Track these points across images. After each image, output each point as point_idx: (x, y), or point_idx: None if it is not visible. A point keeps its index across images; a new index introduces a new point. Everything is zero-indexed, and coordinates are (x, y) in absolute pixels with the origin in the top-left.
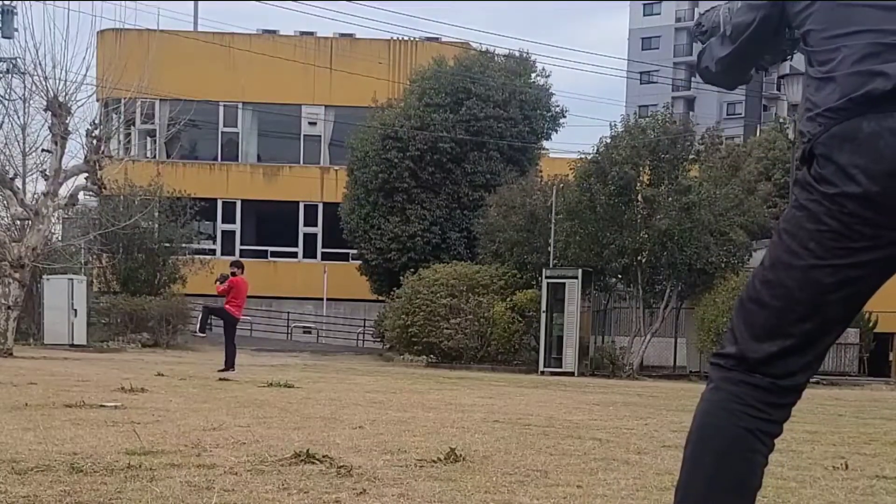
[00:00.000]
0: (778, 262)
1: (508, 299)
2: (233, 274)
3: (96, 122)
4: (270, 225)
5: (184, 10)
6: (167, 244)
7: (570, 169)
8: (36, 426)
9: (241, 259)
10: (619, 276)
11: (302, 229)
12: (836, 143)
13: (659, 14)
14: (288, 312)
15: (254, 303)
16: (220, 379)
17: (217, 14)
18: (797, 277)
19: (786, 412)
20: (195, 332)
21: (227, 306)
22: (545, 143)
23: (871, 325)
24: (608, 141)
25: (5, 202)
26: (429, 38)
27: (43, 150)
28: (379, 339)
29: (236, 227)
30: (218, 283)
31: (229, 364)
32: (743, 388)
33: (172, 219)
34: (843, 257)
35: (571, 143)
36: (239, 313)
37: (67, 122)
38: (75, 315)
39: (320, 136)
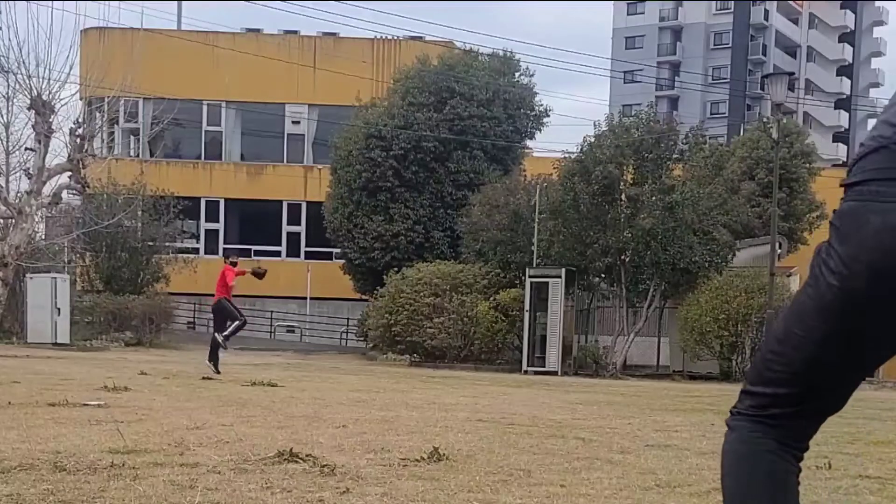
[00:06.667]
0: None
1: (492, 298)
2: (233, 264)
3: (80, 120)
4: (254, 224)
5: (168, 9)
6: (150, 243)
7: (554, 168)
8: (19, 425)
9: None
10: (603, 275)
11: (285, 228)
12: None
13: (643, 14)
14: (271, 311)
15: (237, 301)
16: (204, 378)
17: (201, 13)
18: None
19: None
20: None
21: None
22: (529, 143)
23: None
24: (592, 140)
25: None
26: (412, 38)
27: (26, 149)
28: (362, 338)
29: (220, 225)
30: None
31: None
32: (747, 422)
33: (156, 217)
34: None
35: (555, 143)
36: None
37: (51, 120)
38: (59, 314)
39: (304, 135)
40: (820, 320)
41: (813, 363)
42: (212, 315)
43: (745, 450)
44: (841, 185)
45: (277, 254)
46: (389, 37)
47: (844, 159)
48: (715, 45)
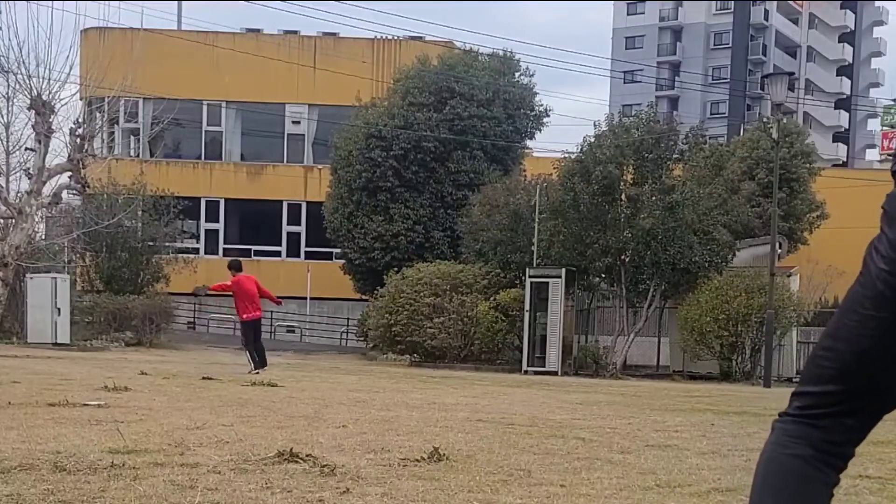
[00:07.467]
0: None
1: (492, 298)
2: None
3: (80, 120)
4: (254, 224)
5: (168, 9)
6: (150, 243)
7: (554, 168)
8: (19, 425)
9: (229, 258)
10: (603, 275)
11: (285, 228)
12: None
13: (643, 14)
14: (271, 311)
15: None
16: (204, 378)
17: (201, 13)
18: None
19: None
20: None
21: (241, 317)
22: (529, 143)
23: None
24: (592, 140)
25: None
26: (412, 37)
27: (27, 149)
28: (362, 339)
29: (220, 225)
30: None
31: (261, 363)
32: (790, 424)
33: (156, 217)
34: None
35: (555, 143)
36: (244, 315)
37: (51, 120)
38: (59, 314)
39: (304, 135)
40: (873, 309)
41: (864, 357)
42: (247, 328)
43: (774, 452)
44: (892, 172)
45: (277, 254)
46: (389, 37)
47: (844, 159)
48: (715, 45)
